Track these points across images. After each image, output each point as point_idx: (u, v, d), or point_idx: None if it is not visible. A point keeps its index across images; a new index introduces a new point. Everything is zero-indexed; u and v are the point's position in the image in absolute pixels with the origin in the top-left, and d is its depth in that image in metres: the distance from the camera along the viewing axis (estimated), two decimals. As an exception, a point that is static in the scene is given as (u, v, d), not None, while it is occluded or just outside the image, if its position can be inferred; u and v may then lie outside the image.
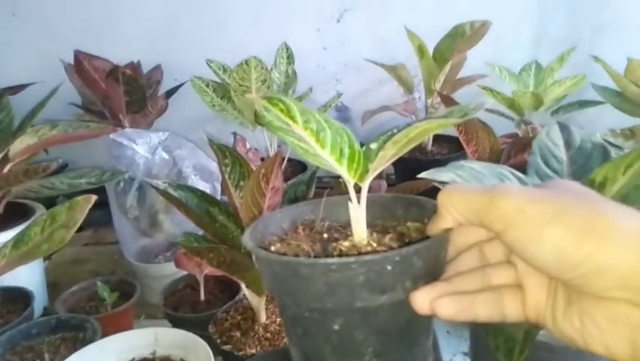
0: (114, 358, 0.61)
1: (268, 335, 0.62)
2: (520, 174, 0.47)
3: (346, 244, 0.31)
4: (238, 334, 0.63)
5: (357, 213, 0.31)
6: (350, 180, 0.31)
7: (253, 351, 0.60)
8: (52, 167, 0.67)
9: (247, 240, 0.32)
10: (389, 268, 0.27)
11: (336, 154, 0.30)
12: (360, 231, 0.32)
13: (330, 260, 0.28)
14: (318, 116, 0.29)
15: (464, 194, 0.28)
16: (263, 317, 0.64)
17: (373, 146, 0.32)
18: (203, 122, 1.25)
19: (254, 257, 0.32)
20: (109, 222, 0.92)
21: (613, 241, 0.24)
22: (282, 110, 0.28)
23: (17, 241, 0.53)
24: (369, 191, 0.32)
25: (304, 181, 0.68)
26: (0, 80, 1.06)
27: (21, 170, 0.68)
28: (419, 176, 0.38)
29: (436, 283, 0.29)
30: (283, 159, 0.82)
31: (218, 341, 0.61)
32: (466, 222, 0.28)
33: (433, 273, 0.29)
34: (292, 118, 0.28)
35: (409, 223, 0.33)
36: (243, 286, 0.62)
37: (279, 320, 0.65)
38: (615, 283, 0.24)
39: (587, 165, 0.51)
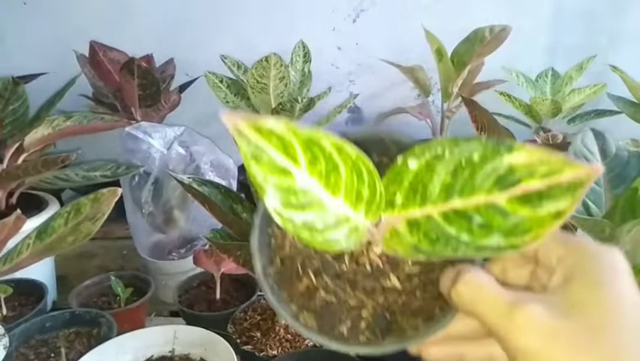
0: (132, 355, 0.59)
1: (289, 336, 0.61)
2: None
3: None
4: (258, 334, 0.62)
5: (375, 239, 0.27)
6: (370, 221, 0.25)
7: (274, 353, 0.59)
8: (71, 158, 0.66)
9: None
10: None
11: (351, 199, 0.23)
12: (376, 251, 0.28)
13: (334, 346, 0.26)
14: (328, 145, 0.22)
15: (481, 301, 0.23)
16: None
17: (412, 164, 0.24)
18: (214, 119, 1.24)
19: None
20: (117, 216, 0.91)
21: None
22: (278, 148, 0.21)
23: (40, 233, 0.52)
24: None
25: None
26: (10, 70, 1.04)
27: (40, 160, 0.66)
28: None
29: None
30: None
31: (238, 341, 0.60)
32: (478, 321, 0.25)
33: None
34: (294, 159, 0.21)
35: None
36: (265, 285, 0.60)
37: (299, 321, 0.64)
38: None
39: (623, 174, 0.50)
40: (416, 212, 0.24)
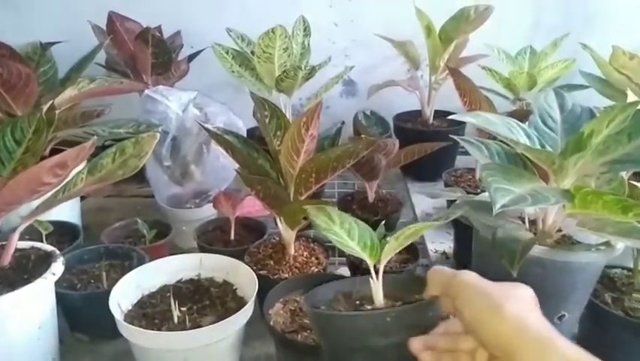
0: (165, 277, 0.70)
1: (297, 264, 0.72)
2: (524, 125, 0.57)
3: (369, 307, 0.46)
4: (271, 262, 0.72)
5: (376, 286, 0.46)
6: (370, 262, 0.46)
7: (286, 275, 0.70)
8: (105, 112, 0.75)
9: (304, 303, 0.47)
10: (388, 319, 0.41)
11: (361, 245, 0.47)
12: (378, 298, 0.46)
13: (344, 313, 0.45)
14: (350, 219, 0.49)
15: (440, 273, 0.42)
16: (292, 250, 0.74)
17: (389, 240, 0.47)
18: (219, 87, 1.33)
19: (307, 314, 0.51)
20: (131, 178, 0.98)
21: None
22: (327, 216, 0.49)
23: (91, 169, 0.61)
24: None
25: (331, 136, 0.78)
26: (25, 39, 1.11)
27: (79, 113, 0.75)
28: (451, 117, 0.48)
29: (426, 336, 0.41)
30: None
31: (254, 267, 0.71)
32: (441, 293, 0.41)
33: (424, 324, 0.42)
34: (333, 222, 0.48)
35: (416, 296, 0.45)
36: (278, 220, 0.71)
37: (305, 253, 0.75)
38: None
39: (576, 124, 0.61)
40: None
